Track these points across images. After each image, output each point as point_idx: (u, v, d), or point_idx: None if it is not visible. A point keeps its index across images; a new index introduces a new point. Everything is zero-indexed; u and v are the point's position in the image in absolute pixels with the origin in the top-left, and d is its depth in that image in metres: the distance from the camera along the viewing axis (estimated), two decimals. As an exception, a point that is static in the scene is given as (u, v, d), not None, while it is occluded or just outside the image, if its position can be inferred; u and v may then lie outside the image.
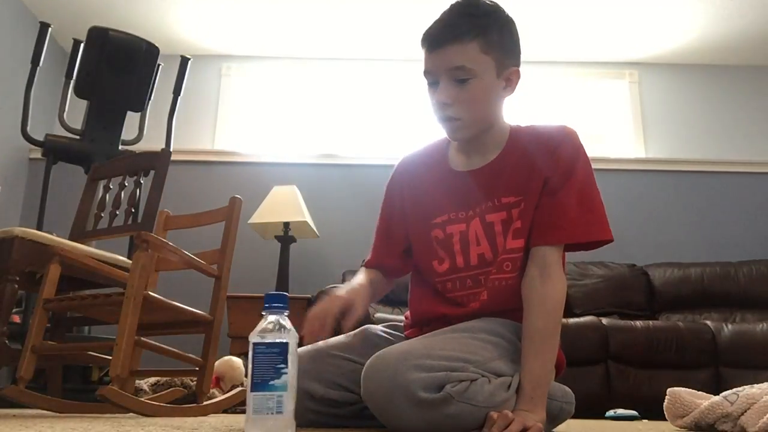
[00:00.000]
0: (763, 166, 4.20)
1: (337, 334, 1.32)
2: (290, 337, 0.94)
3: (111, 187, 2.50)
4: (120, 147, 3.02)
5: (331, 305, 1.21)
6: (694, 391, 1.55)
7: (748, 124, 4.33)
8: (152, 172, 2.30)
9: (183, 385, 2.61)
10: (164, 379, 2.69)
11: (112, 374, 1.66)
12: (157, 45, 3.05)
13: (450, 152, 1.39)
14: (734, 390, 1.42)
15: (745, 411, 1.35)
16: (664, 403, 1.56)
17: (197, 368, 1.99)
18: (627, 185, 4.14)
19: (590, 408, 2.73)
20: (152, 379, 2.71)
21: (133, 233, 2.27)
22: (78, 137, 2.96)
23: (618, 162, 4.17)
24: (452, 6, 1.26)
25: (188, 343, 2.26)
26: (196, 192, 4.06)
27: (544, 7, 3.88)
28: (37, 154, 3.85)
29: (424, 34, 1.26)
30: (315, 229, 3.67)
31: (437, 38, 1.23)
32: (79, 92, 2.96)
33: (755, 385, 1.41)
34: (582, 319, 3.05)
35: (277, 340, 0.92)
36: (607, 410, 2.70)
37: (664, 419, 1.62)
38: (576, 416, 1.49)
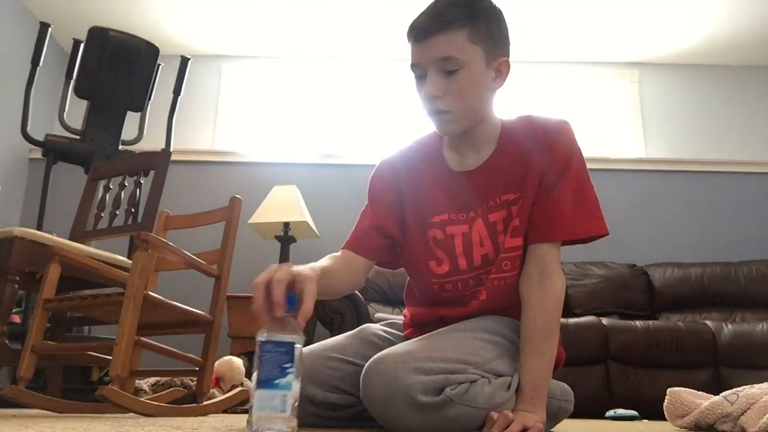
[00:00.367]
0: (763, 166, 4.20)
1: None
2: (297, 338, 0.94)
3: (111, 187, 2.50)
4: (120, 147, 3.03)
5: (281, 274, 0.98)
6: (694, 391, 1.55)
7: (748, 124, 4.33)
8: (152, 172, 2.30)
9: (183, 385, 2.61)
10: (164, 379, 2.69)
11: (112, 374, 1.67)
12: (156, 45, 3.05)
13: (444, 150, 1.36)
14: (734, 390, 1.42)
15: (745, 411, 1.35)
16: (664, 403, 1.55)
17: (197, 368, 2.00)
18: (627, 185, 4.14)
19: (590, 408, 2.73)
20: (152, 379, 2.71)
21: (133, 233, 2.27)
22: (78, 137, 2.96)
23: (618, 162, 4.17)
24: None
25: (188, 343, 2.26)
26: (195, 192, 4.06)
27: (544, 7, 3.87)
28: (37, 154, 3.85)
29: (410, 26, 1.23)
30: (315, 229, 3.67)
31: (424, 29, 1.19)
32: (79, 92, 2.96)
33: (755, 385, 1.41)
34: (582, 319, 3.05)
35: (284, 340, 0.93)
36: (607, 410, 2.70)
37: (664, 419, 1.62)
38: (576, 416, 1.49)
